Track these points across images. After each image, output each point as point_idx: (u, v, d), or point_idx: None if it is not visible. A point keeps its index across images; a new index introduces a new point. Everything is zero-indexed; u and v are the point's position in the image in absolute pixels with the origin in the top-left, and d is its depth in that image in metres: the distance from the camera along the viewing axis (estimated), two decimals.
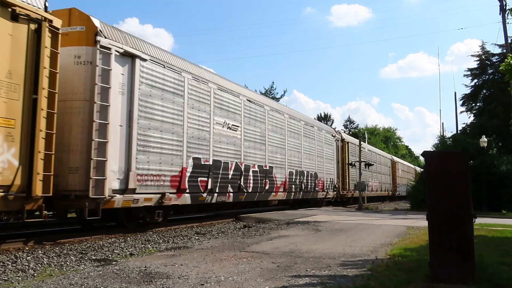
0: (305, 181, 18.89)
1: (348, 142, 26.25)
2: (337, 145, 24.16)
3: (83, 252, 7.03)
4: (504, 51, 24.40)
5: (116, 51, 8.74)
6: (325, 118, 63.88)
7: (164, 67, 10.26)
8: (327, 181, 21.85)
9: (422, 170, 35.70)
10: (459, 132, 29.56)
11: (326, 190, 21.66)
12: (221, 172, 12.37)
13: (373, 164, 30.24)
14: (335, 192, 23.10)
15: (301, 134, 19.01)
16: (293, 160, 17.88)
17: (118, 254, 6.91)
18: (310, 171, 19.55)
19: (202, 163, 11.50)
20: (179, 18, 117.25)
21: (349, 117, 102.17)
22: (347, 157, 25.72)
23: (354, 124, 74.72)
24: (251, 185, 14.07)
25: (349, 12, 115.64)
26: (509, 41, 23.27)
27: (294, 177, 17.73)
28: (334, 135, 24.12)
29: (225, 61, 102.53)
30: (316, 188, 20.32)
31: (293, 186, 17.62)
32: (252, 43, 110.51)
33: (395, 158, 45.32)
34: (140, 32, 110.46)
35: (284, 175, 16.77)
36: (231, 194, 12.87)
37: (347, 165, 25.46)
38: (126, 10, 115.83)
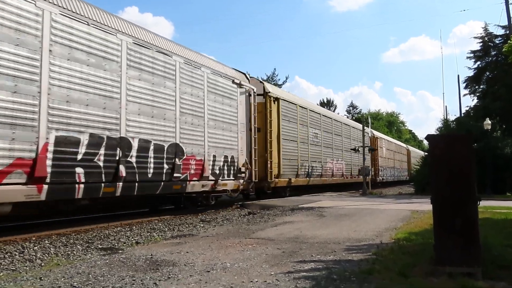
0: (134, 160, 9.40)
1: (278, 99, 16.28)
2: (249, 102, 14.27)
3: (89, 241, 7.09)
4: (507, 32, 24.09)
5: None
6: (328, 104, 63.72)
7: None
8: (216, 161, 12.37)
9: (426, 154, 35.66)
10: (462, 115, 29.41)
11: (214, 177, 12.21)
12: None
13: (376, 150, 29.76)
14: (241, 181, 13.55)
15: (121, 61, 9.21)
16: (82, 113, 8.22)
17: (124, 243, 6.97)
18: (155, 141, 10.04)
19: None
20: (180, 7, 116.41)
21: (351, 102, 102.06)
22: (276, 122, 16.00)
23: (357, 109, 74.80)
24: None
25: None
26: None
27: (81, 150, 8.14)
28: (240, 82, 13.79)
29: (226, 49, 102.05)
30: (177, 174, 10.72)
31: (81, 170, 8.11)
32: (253, 31, 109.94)
33: (376, 133, 34.68)
34: (140, 21, 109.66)
35: (33, 145, 7.22)
36: None
37: (275, 136, 15.93)
38: None
